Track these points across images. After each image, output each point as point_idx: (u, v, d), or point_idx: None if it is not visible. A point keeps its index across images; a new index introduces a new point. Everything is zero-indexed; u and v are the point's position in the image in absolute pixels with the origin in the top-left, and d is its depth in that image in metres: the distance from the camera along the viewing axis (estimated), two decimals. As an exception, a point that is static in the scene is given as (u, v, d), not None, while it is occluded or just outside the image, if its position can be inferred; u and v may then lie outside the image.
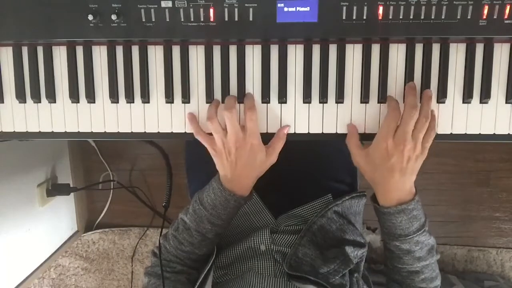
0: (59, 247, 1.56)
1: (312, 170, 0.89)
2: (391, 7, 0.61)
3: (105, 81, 0.68)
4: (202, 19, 0.63)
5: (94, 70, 0.68)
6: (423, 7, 0.61)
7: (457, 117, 0.66)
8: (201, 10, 0.63)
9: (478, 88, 0.65)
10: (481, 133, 0.66)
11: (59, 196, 1.46)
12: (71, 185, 1.52)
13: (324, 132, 0.67)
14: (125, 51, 0.67)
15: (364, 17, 0.62)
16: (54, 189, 1.44)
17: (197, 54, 0.67)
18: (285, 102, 0.67)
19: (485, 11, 0.61)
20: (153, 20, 0.63)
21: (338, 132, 0.67)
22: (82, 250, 1.70)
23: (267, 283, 0.66)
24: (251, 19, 0.63)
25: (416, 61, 0.65)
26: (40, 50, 0.68)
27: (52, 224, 1.50)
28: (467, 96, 0.65)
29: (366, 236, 1.51)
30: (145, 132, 0.69)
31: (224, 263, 0.74)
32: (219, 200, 0.68)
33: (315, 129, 0.67)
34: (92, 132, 0.69)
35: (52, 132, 0.70)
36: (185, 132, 0.69)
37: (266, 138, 0.67)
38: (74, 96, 0.68)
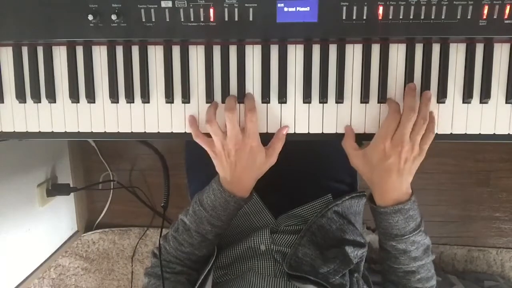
0: (59, 247, 1.57)
1: (312, 170, 0.89)
2: (391, 7, 0.61)
3: (105, 81, 0.68)
4: (202, 19, 0.63)
5: (94, 70, 0.68)
6: (423, 7, 0.61)
7: (457, 117, 0.66)
8: (201, 10, 0.63)
9: (478, 88, 0.65)
10: (481, 133, 0.66)
11: (59, 196, 1.46)
12: (71, 185, 1.52)
13: (324, 132, 0.67)
14: (125, 51, 0.67)
15: (364, 17, 0.62)
16: (54, 189, 1.44)
17: (197, 54, 0.67)
18: (285, 102, 0.67)
19: (485, 11, 0.61)
20: (153, 20, 0.63)
21: (338, 132, 0.67)
22: (82, 250, 1.70)
23: (267, 283, 0.66)
24: (251, 19, 0.63)
25: (416, 61, 0.65)
26: (40, 50, 0.68)
27: (52, 224, 1.50)
28: (467, 96, 0.65)
29: (366, 236, 1.51)
30: (145, 132, 0.69)
31: (224, 263, 0.74)
32: (219, 201, 0.67)
33: (315, 129, 0.67)
34: (92, 132, 0.69)
35: (52, 132, 0.70)
36: (185, 132, 0.69)
37: (266, 138, 0.67)
38: (74, 96, 0.68)
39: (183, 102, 0.68)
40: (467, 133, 0.66)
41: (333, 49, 0.65)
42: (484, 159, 1.60)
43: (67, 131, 0.70)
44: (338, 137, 0.67)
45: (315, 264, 0.70)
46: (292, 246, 0.72)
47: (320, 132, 0.67)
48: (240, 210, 0.71)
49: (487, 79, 0.64)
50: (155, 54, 0.67)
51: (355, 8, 0.61)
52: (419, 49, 0.65)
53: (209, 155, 0.67)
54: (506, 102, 0.65)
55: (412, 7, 0.61)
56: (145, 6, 0.63)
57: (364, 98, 0.66)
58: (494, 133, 0.66)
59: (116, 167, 1.67)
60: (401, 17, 0.61)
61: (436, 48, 0.65)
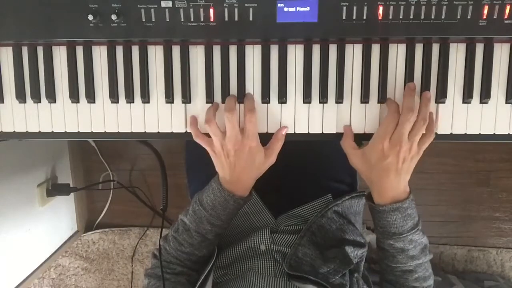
0: (59, 247, 1.57)
1: (312, 170, 0.89)
2: (391, 7, 0.61)
3: (105, 81, 0.68)
4: (202, 19, 0.63)
5: (94, 70, 0.68)
6: (423, 7, 0.61)
7: (457, 117, 0.66)
8: (201, 10, 0.63)
9: (478, 88, 0.65)
10: (481, 133, 0.66)
11: (59, 196, 1.46)
12: (71, 185, 1.52)
13: (324, 132, 0.67)
14: (125, 51, 0.67)
15: (364, 17, 0.62)
16: (54, 189, 1.44)
17: (197, 54, 0.67)
18: (285, 102, 0.67)
19: (485, 11, 0.61)
20: (153, 20, 0.63)
21: (338, 132, 0.67)
22: (82, 250, 1.70)
23: (267, 283, 0.66)
24: (251, 19, 0.63)
25: (416, 61, 0.65)
26: (40, 50, 0.68)
27: (52, 224, 1.50)
28: (467, 96, 0.65)
29: (366, 236, 1.51)
30: (145, 132, 0.69)
31: (224, 263, 0.74)
32: (219, 201, 0.68)
33: (315, 129, 0.67)
34: (92, 132, 0.69)
35: (52, 132, 0.70)
36: (185, 132, 0.69)
37: (266, 138, 0.67)
38: (74, 96, 0.68)
39: (183, 102, 0.68)
40: (467, 133, 0.66)
41: (333, 49, 0.65)
42: (484, 159, 1.60)
43: (67, 131, 0.70)
44: (338, 137, 0.67)
45: (315, 264, 0.70)
46: (292, 246, 0.72)
47: (320, 132, 0.67)
48: (240, 210, 0.71)
49: (487, 79, 0.64)
50: (155, 54, 0.67)
51: (355, 8, 0.61)
52: (419, 49, 0.65)
53: (209, 155, 0.67)
54: (506, 102, 0.65)
55: (412, 7, 0.61)
56: (145, 6, 0.63)
57: (364, 98, 0.66)
58: (494, 133, 0.66)
59: (116, 167, 1.67)
60: (401, 17, 0.61)
61: (436, 48, 0.65)
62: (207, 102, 0.67)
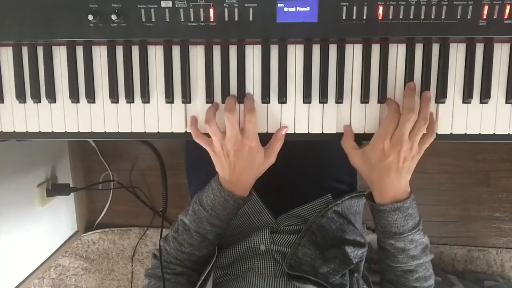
0: (59, 247, 1.57)
1: (312, 170, 0.89)
2: (391, 7, 0.61)
3: (105, 81, 0.68)
4: (202, 19, 0.63)
5: (94, 70, 0.68)
6: (423, 7, 0.61)
7: (457, 117, 0.66)
8: (201, 10, 0.63)
9: (478, 88, 0.65)
10: (481, 133, 0.66)
11: (59, 196, 1.46)
12: (71, 185, 1.52)
13: (324, 132, 0.67)
14: (125, 51, 0.67)
15: (364, 17, 0.62)
16: (54, 189, 1.44)
17: (197, 54, 0.67)
18: (285, 102, 0.67)
19: (485, 11, 0.61)
20: (153, 20, 0.63)
21: (338, 132, 0.67)
22: (82, 250, 1.70)
23: (267, 283, 0.66)
24: (251, 19, 0.63)
25: (416, 61, 0.65)
26: (40, 50, 0.68)
27: (52, 224, 1.50)
28: (467, 96, 0.65)
29: (366, 236, 1.51)
30: (145, 132, 0.69)
31: (224, 263, 0.74)
32: (218, 201, 0.68)
33: (315, 129, 0.67)
34: (92, 132, 0.69)
35: (52, 132, 0.70)
36: (185, 132, 0.69)
37: (266, 138, 0.67)
38: (74, 96, 0.68)
39: (183, 102, 0.68)
40: (467, 133, 0.66)
41: (333, 49, 0.65)
42: (484, 159, 1.60)
43: (67, 131, 0.70)
44: (338, 137, 0.67)
45: (315, 264, 0.70)
46: (292, 246, 0.72)
47: (320, 132, 0.67)
48: (240, 209, 0.71)
49: (487, 79, 0.64)
50: (155, 54, 0.67)
51: (355, 8, 0.61)
52: (419, 49, 0.65)
53: (209, 155, 0.67)
54: (506, 102, 0.65)
55: (412, 7, 0.61)
56: (145, 6, 0.63)
57: (364, 98, 0.66)
58: (494, 133, 0.66)
59: (116, 167, 1.67)
60: (401, 17, 0.61)
61: (436, 48, 0.65)
62: (207, 102, 0.67)
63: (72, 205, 1.63)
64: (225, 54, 0.66)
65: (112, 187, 1.67)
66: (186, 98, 0.67)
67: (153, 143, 1.49)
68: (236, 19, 0.63)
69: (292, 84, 0.66)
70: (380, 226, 0.69)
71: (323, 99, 0.66)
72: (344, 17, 0.62)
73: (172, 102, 0.68)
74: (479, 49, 0.64)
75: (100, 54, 0.68)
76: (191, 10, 0.63)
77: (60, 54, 0.68)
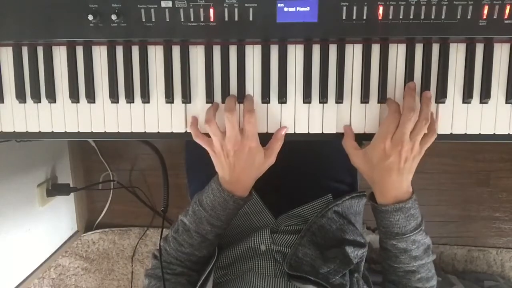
0: (59, 247, 1.57)
1: (312, 170, 0.89)
2: (391, 7, 0.61)
3: (105, 81, 0.68)
4: (202, 19, 0.63)
5: (94, 70, 0.68)
6: (423, 7, 0.61)
7: (457, 117, 0.66)
8: (201, 10, 0.63)
9: (478, 88, 0.65)
10: (481, 133, 0.66)
11: (59, 196, 1.46)
12: (71, 185, 1.52)
13: (324, 132, 0.67)
14: (125, 51, 0.67)
15: (364, 17, 0.62)
16: (54, 189, 1.44)
17: (197, 54, 0.67)
18: (285, 102, 0.67)
19: (485, 11, 0.61)
20: (153, 20, 0.63)
21: (338, 132, 0.67)
22: (82, 250, 1.70)
23: (267, 283, 0.66)
24: (251, 19, 0.63)
25: (416, 61, 0.65)
26: (40, 50, 0.68)
27: (52, 224, 1.50)
28: (467, 96, 0.65)
29: (366, 236, 1.51)
30: (145, 132, 0.69)
31: (224, 263, 0.74)
32: (218, 201, 0.68)
33: (315, 129, 0.67)
34: (92, 132, 0.69)
35: (52, 132, 0.70)
36: (185, 132, 0.69)
37: (266, 138, 0.67)
38: (74, 96, 0.68)
39: (183, 102, 0.68)
40: (467, 133, 0.66)
41: (333, 49, 0.65)
42: (484, 159, 1.60)
43: (67, 131, 0.70)
44: (338, 137, 0.67)
45: (315, 264, 0.70)
46: (292, 246, 0.72)
47: (320, 132, 0.67)
48: (239, 210, 0.71)
49: (487, 79, 0.64)
50: (155, 54, 0.67)
51: (355, 8, 0.61)
52: (419, 49, 0.65)
53: (209, 155, 0.67)
54: (506, 102, 0.65)
55: (412, 7, 0.61)
56: (145, 6, 0.63)
57: (364, 98, 0.66)
58: (494, 133, 0.66)
59: (116, 167, 1.67)
60: (401, 17, 0.61)
61: (436, 48, 0.65)
62: (207, 102, 0.67)
63: (72, 205, 1.63)
64: (225, 54, 0.66)
65: (112, 187, 1.67)
66: (186, 98, 0.67)
67: (153, 143, 1.49)
68: (236, 19, 0.63)
69: (292, 84, 0.66)
70: (382, 227, 0.69)
71: (323, 99, 0.66)
72: (344, 17, 0.62)
73: (172, 102, 0.68)
74: (479, 49, 0.64)
75: (100, 54, 0.68)
76: (191, 10, 0.63)
77: (60, 54, 0.68)
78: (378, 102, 0.66)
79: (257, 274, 0.69)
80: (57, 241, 1.56)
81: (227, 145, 0.64)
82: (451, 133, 0.66)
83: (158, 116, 0.68)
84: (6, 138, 0.71)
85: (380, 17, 0.61)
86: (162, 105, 0.68)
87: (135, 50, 0.67)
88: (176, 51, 0.67)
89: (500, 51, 0.64)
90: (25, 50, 0.68)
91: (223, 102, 0.66)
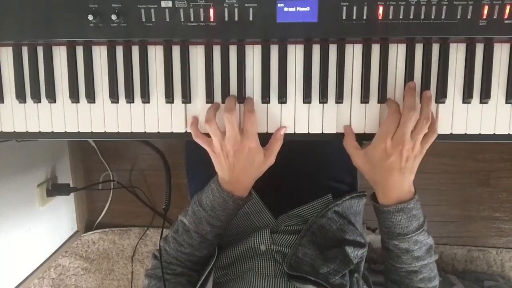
0: (59, 247, 1.57)
1: (312, 170, 0.89)
2: (391, 7, 0.61)
3: (105, 81, 0.68)
4: (202, 19, 0.63)
5: (94, 70, 0.68)
6: (423, 7, 0.61)
7: (457, 117, 0.66)
8: (201, 10, 0.63)
9: (478, 88, 0.65)
10: (481, 133, 0.66)
11: (59, 196, 1.46)
12: (71, 185, 1.52)
13: (324, 132, 0.67)
14: (125, 51, 0.67)
15: (364, 17, 0.62)
16: (54, 189, 1.44)
17: (197, 54, 0.67)
18: (285, 102, 0.67)
19: (485, 11, 0.61)
20: (153, 20, 0.63)
21: (338, 132, 0.67)
22: (82, 250, 1.70)
23: (267, 283, 0.66)
24: (251, 19, 0.63)
25: (416, 61, 0.65)
26: (40, 50, 0.68)
27: (52, 224, 1.50)
28: (467, 96, 0.65)
29: (366, 236, 1.51)
30: (145, 132, 0.69)
31: (224, 263, 0.74)
32: (218, 201, 0.67)
33: (315, 129, 0.67)
34: (92, 132, 0.69)
35: (52, 132, 0.70)
36: (185, 132, 0.69)
37: (266, 138, 0.67)
38: (74, 96, 0.68)
39: (183, 102, 0.68)
40: (467, 133, 0.66)
41: (333, 49, 0.65)
42: (484, 159, 1.60)
43: (67, 131, 0.70)
44: (338, 137, 0.67)
45: (315, 264, 0.70)
46: (292, 246, 0.72)
47: (320, 132, 0.67)
48: (239, 210, 0.71)
49: (487, 79, 0.64)
50: (155, 54, 0.67)
51: (355, 8, 0.61)
52: (419, 49, 0.65)
53: (209, 155, 0.67)
54: (506, 102, 0.65)
55: (412, 7, 0.61)
56: (145, 6, 0.63)
57: (364, 98, 0.66)
58: (494, 133, 0.66)
59: (116, 167, 1.67)
60: (401, 17, 0.61)
61: (436, 48, 0.65)
62: (207, 102, 0.67)
63: (72, 205, 1.63)
64: (225, 54, 0.66)
65: (112, 187, 1.67)
66: (186, 98, 0.67)
67: (154, 143, 1.49)
68: (236, 19, 0.63)
69: (292, 84, 0.66)
70: (384, 227, 0.69)
71: (323, 99, 0.66)
72: (344, 17, 0.62)
73: (172, 102, 0.68)
74: (479, 49, 0.64)
75: (100, 54, 0.68)
76: (191, 10, 0.63)
77: (60, 54, 0.68)
78: (378, 102, 0.66)
79: (257, 274, 0.69)
80: (57, 241, 1.56)
81: (227, 145, 0.64)
82: (451, 133, 0.66)
83: (158, 116, 0.68)
84: (6, 138, 0.71)
85: (380, 17, 0.61)
86: (162, 105, 0.68)
87: (135, 50, 0.67)
88: (176, 51, 0.67)
89: (500, 51, 0.64)
90: (25, 50, 0.68)
91: (223, 102, 0.66)
